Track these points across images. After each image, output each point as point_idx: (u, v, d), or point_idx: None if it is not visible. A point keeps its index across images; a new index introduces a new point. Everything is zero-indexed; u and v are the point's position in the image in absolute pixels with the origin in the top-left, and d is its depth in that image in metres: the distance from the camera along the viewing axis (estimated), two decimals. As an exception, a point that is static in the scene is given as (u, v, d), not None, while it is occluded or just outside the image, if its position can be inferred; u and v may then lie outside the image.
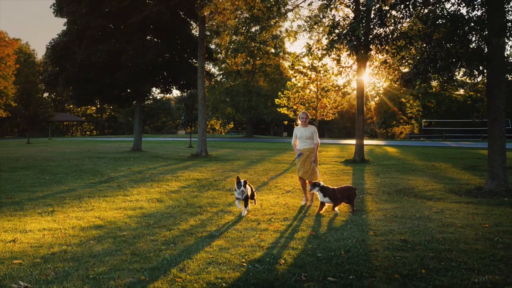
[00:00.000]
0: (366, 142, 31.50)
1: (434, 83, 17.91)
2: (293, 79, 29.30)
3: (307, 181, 10.02)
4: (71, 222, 8.24)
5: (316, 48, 17.42)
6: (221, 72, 64.15)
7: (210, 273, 5.25)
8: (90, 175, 15.55)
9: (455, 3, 10.68)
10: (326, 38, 16.43)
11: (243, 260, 5.74)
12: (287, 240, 6.75)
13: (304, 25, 20.45)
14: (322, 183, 9.07)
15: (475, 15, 10.35)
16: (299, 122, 10.18)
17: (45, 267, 5.54)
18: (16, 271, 5.43)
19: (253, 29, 24.56)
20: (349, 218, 8.43)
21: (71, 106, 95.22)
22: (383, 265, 5.46)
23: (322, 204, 8.95)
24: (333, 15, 14.80)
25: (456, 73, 11.76)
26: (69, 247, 6.50)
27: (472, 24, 10.05)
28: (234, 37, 34.32)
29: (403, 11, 10.79)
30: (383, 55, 12.52)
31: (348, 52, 11.51)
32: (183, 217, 8.71)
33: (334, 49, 11.83)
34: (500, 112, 10.72)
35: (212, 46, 44.00)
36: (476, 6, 10.38)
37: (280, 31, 39.44)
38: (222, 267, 5.49)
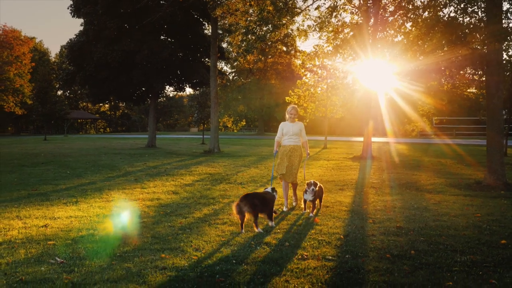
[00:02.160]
0: (375, 139, 32.02)
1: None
2: (304, 78, 29.84)
3: (290, 184, 9.41)
4: (94, 211, 8.97)
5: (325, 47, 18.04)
6: (233, 70, 64.83)
7: (223, 252, 5.94)
8: (108, 170, 16.32)
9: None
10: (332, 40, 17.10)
11: (252, 242, 6.41)
12: (291, 226, 7.40)
13: (313, 25, 21.00)
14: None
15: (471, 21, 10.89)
16: (287, 117, 9.37)
17: (76, 247, 6.26)
18: (51, 250, 6.16)
19: (264, 28, 25.15)
20: (351, 208, 9.07)
21: (84, 103, 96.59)
22: (377, 247, 6.11)
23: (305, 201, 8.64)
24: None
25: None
26: (96, 231, 7.22)
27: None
28: (245, 36, 34.92)
29: None
30: None
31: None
32: (197, 207, 9.40)
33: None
34: (498, 110, 11.28)
35: (224, 45, 44.72)
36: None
37: (292, 29, 39.96)
38: (233, 248, 6.17)
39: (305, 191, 8.42)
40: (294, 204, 9.40)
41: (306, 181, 8.72)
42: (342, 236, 6.69)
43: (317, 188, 8.39)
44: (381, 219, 7.85)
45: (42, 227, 7.56)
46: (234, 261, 5.55)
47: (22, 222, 7.88)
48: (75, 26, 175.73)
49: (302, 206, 8.74)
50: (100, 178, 14.23)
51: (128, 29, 26.09)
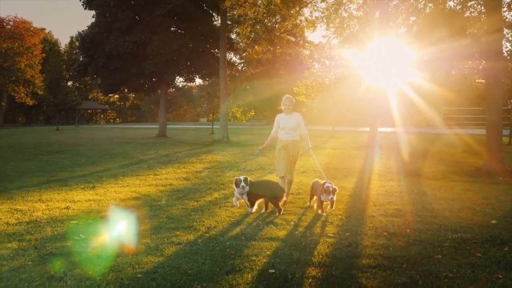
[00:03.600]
0: (383, 129, 32.35)
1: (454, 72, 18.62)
2: (312, 68, 30.17)
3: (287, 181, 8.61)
4: (111, 195, 9.52)
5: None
6: (242, 61, 65.14)
7: (233, 231, 6.46)
8: (121, 158, 16.89)
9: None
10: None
11: (261, 223, 6.91)
12: (297, 209, 7.90)
13: (321, 16, 21.32)
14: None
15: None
16: (282, 108, 8.47)
17: (96, 226, 6.81)
18: (74, 228, 6.72)
19: (273, 20, 25.49)
20: (354, 192, 9.56)
21: (94, 94, 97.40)
22: (375, 226, 6.59)
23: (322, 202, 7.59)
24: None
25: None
26: (114, 213, 7.76)
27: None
28: (253, 27, 35.23)
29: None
30: None
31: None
32: (208, 192, 9.92)
33: None
34: (497, 100, 11.67)
35: (233, 36, 45.09)
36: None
37: (300, 20, 40.16)
38: (242, 227, 6.69)
39: (322, 193, 7.41)
40: (285, 198, 8.17)
41: (321, 181, 7.67)
42: (343, 217, 7.18)
43: (335, 197, 7.42)
44: (382, 203, 8.32)
45: (64, 209, 8.12)
46: (243, 238, 6.07)
47: (45, 205, 8.45)
48: (83, 16, 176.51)
49: (315, 207, 7.74)
50: (114, 166, 14.79)
51: (139, 20, 26.56)
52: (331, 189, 7.33)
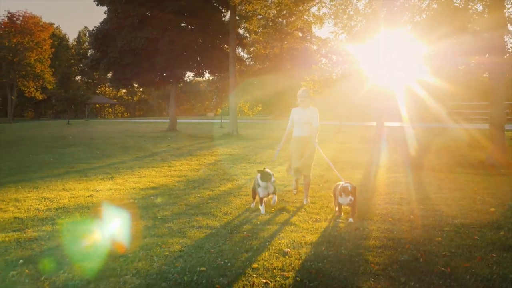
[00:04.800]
0: (390, 124, 32.70)
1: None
2: (319, 63, 30.51)
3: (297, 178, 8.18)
4: (130, 185, 10.04)
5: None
6: (249, 56, 65.51)
7: (248, 217, 6.97)
8: (135, 151, 17.44)
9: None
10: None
11: (272, 209, 7.40)
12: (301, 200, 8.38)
13: (329, 12, 21.69)
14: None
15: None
16: (298, 101, 7.97)
17: (122, 212, 7.32)
18: (101, 213, 7.23)
19: (281, 20, 25.87)
20: (361, 183, 10.02)
21: (102, 88, 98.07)
22: (381, 213, 7.06)
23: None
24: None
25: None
26: (136, 200, 8.29)
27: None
28: (262, 22, 35.56)
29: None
30: None
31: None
32: (222, 182, 10.42)
33: None
34: (500, 95, 12.08)
35: (241, 31, 45.48)
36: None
37: (307, 15, 40.40)
38: (257, 213, 7.18)
39: (340, 194, 6.81)
40: (305, 202, 7.87)
41: (341, 183, 6.97)
42: (351, 205, 7.66)
43: (354, 199, 6.73)
44: (387, 192, 8.80)
45: (88, 197, 8.65)
46: (258, 223, 6.56)
47: (69, 193, 8.99)
48: (90, 10, 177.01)
49: (336, 210, 7.07)
50: (129, 158, 15.33)
51: (150, 17, 27.06)
52: (349, 188, 6.65)
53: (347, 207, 6.87)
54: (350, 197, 6.63)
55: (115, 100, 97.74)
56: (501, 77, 12.15)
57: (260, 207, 7.25)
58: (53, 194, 8.87)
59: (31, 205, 7.84)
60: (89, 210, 7.50)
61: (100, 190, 9.39)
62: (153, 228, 6.31)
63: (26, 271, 4.67)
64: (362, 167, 12.81)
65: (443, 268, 4.63)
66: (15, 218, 6.93)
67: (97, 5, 26.94)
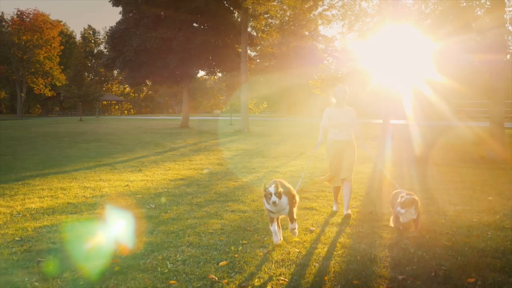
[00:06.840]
0: (396, 121, 33.49)
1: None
2: (325, 61, 31.35)
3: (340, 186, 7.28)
4: (159, 177, 10.97)
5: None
6: (256, 54, 66.34)
7: (273, 203, 7.88)
8: (154, 146, 18.39)
9: None
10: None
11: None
12: (325, 188, 9.30)
13: (337, 14, 22.55)
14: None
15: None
16: (333, 101, 7.18)
17: (159, 199, 8.25)
18: (142, 200, 8.17)
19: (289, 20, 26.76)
20: (371, 175, 10.97)
21: (108, 85, 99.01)
22: (388, 200, 7.96)
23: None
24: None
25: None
26: (169, 189, 9.23)
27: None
28: (270, 21, 36.43)
29: None
30: None
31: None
32: (243, 174, 11.34)
33: None
34: (500, 92, 12.97)
35: (248, 29, 46.39)
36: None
37: (314, 14, 41.23)
38: (280, 200, 8.09)
39: (398, 211, 5.89)
40: (345, 212, 6.86)
41: (397, 193, 6.30)
42: (364, 194, 8.59)
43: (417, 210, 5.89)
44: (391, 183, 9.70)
45: (125, 186, 9.60)
46: (282, 208, 7.48)
47: (107, 183, 9.94)
48: (96, 8, 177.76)
49: (392, 225, 6.20)
50: (150, 153, 16.28)
51: (165, 17, 27.99)
52: (411, 200, 5.82)
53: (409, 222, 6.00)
54: (413, 210, 5.83)
55: (122, 97, 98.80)
56: (502, 75, 13.01)
57: (270, 227, 5.54)
58: (93, 184, 9.82)
59: (77, 193, 8.79)
60: (129, 197, 8.43)
61: (133, 181, 10.32)
62: (192, 211, 7.24)
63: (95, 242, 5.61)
64: (371, 162, 13.68)
65: (446, 242, 5.53)
66: (68, 203, 7.87)
67: (113, 5, 27.91)
